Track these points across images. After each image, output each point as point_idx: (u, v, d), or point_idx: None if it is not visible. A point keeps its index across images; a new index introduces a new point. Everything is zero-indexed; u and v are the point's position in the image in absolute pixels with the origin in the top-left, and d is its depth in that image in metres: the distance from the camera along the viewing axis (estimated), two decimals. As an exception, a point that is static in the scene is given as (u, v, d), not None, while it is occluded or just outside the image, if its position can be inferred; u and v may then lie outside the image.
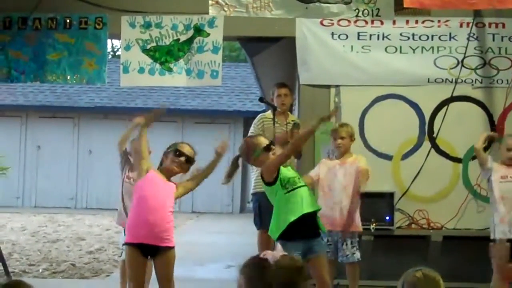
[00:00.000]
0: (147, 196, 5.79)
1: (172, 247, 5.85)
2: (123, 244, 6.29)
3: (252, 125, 8.19)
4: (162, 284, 5.87)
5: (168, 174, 5.97)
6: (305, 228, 5.86)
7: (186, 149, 6.04)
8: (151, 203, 5.78)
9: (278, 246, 3.05)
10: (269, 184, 5.96)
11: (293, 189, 5.88)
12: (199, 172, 6.13)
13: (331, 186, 7.06)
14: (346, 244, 6.99)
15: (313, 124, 6.10)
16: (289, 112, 8.34)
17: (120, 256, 7.52)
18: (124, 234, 7.20)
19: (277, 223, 5.92)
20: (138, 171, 6.03)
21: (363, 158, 7.29)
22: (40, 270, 9.40)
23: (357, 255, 7.02)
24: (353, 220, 7.02)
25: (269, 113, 7.99)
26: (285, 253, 2.97)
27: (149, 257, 5.84)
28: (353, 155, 7.20)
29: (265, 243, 7.53)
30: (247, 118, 18.28)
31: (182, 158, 5.96)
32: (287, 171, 5.96)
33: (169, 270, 5.86)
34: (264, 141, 6.06)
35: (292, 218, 5.81)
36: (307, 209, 5.86)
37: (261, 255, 2.96)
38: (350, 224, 6.99)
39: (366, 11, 8.17)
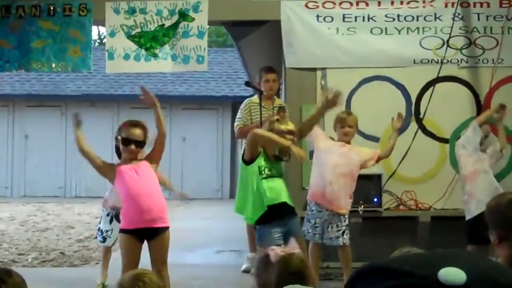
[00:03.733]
0: (132, 185, 5.81)
1: (167, 227, 5.91)
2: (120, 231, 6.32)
3: (239, 110, 8.18)
4: (157, 266, 5.87)
5: (130, 160, 5.93)
6: (282, 212, 6.03)
7: (134, 135, 5.90)
8: (140, 190, 5.80)
9: (292, 241, 3.09)
10: (246, 163, 6.13)
11: (271, 177, 6.03)
12: (156, 137, 6.07)
13: (325, 161, 7.03)
14: (332, 227, 6.96)
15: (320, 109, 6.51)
16: (276, 96, 8.33)
17: (102, 242, 7.50)
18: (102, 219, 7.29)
19: (253, 208, 6.07)
20: (108, 176, 6.03)
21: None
22: (30, 259, 9.39)
23: (342, 239, 6.97)
24: (339, 202, 7.01)
25: (255, 98, 7.98)
26: (292, 251, 3.01)
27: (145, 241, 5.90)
28: (353, 146, 7.18)
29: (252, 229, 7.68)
30: (235, 103, 18.21)
31: (132, 146, 5.88)
32: (262, 161, 6.07)
33: (165, 251, 5.93)
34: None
35: (271, 203, 5.98)
36: (285, 199, 6.06)
37: (268, 250, 3.01)
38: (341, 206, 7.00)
39: (351, -8, 8.15)
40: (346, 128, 7.06)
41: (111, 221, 7.35)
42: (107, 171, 5.99)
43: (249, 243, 8.12)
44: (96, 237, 7.87)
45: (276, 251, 2.98)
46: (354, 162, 7.05)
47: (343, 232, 6.98)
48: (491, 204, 3.25)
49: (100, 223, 7.55)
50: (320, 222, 7.00)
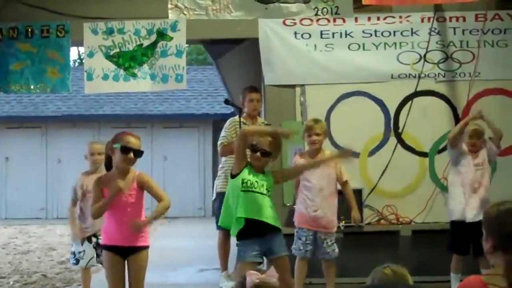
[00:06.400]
0: (114, 202, 5.74)
1: (147, 247, 5.87)
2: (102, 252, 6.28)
3: (224, 128, 8.16)
4: (133, 285, 5.83)
5: (121, 171, 5.81)
6: (262, 229, 5.93)
7: (133, 143, 5.78)
8: (122, 207, 5.74)
9: (271, 269, 3.07)
10: (232, 176, 6.04)
11: (252, 191, 5.92)
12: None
13: (309, 186, 7.07)
14: (327, 243, 7.06)
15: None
16: (257, 116, 8.36)
17: (76, 264, 7.50)
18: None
19: (235, 222, 5.99)
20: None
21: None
22: (11, 283, 9.32)
23: (336, 251, 7.12)
24: (330, 223, 7.13)
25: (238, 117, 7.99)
26: (267, 280, 3.00)
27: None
28: (324, 152, 7.21)
29: (224, 244, 8.05)
30: (216, 121, 18.25)
31: (131, 154, 5.75)
32: (250, 175, 5.97)
33: (142, 270, 5.86)
34: None
35: (246, 216, 5.88)
36: (266, 218, 5.93)
37: (246, 275, 3.00)
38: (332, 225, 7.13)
39: (325, 10, 8.19)
40: (314, 136, 7.10)
41: (82, 243, 7.35)
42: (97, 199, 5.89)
43: (220, 261, 8.18)
44: (70, 261, 7.86)
45: (252, 278, 2.96)
46: (332, 178, 7.14)
47: (335, 245, 7.12)
48: (490, 211, 3.22)
49: (72, 246, 7.55)
50: (311, 239, 7.06)
